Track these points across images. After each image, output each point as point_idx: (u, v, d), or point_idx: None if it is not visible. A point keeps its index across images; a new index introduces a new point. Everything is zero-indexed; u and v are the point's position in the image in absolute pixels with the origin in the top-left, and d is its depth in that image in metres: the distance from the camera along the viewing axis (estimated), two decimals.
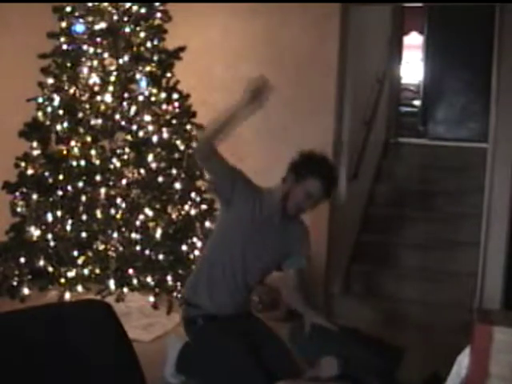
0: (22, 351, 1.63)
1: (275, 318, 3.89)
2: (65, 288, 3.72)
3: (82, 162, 3.74)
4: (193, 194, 3.98)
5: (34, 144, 3.77)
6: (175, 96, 3.97)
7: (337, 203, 4.58)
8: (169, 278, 3.81)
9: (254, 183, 2.66)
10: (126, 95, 3.81)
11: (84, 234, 3.74)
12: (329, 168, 2.59)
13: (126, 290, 3.77)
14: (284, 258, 2.67)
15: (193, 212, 3.98)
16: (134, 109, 3.82)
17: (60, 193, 3.73)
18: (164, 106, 3.91)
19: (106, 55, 3.82)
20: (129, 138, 3.81)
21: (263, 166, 4.63)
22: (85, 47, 3.81)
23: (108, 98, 3.78)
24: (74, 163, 3.74)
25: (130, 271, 3.76)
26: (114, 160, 3.78)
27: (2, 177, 3.76)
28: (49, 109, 3.79)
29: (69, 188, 3.74)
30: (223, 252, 2.59)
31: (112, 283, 3.72)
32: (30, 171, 3.77)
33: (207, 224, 4.03)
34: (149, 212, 3.78)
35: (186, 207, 3.96)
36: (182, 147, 3.96)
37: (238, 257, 2.55)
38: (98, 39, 3.80)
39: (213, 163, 2.56)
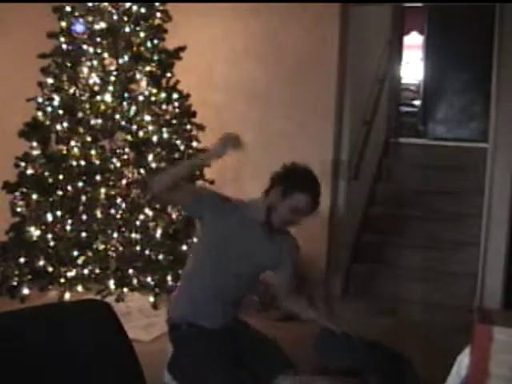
0: (22, 351, 1.63)
1: (275, 318, 3.89)
2: (65, 288, 3.72)
3: (82, 162, 3.74)
4: None
5: (34, 144, 3.77)
6: (175, 96, 3.97)
7: (336, 210, 4.58)
8: (169, 278, 3.81)
9: (229, 198, 2.61)
10: (126, 95, 3.81)
11: (84, 234, 3.74)
12: (314, 182, 2.55)
13: (126, 289, 3.77)
14: (274, 268, 2.64)
15: None
16: (133, 109, 3.82)
17: (60, 193, 3.74)
18: (164, 106, 3.92)
19: (106, 55, 3.82)
20: (129, 138, 3.81)
21: (263, 167, 4.62)
22: (85, 47, 3.81)
23: (108, 97, 3.78)
24: (74, 163, 3.75)
25: (130, 271, 3.76)
26: (114, 160, 3.78)
27: (2, 177, 3.76)
28: (49, 109, 3.79)
29: (69, 188, 3.74)
30: (206, 268, 2.55)
31: (112, 283, 3.72)
32: (29, 171, 3.78)
33: None
34: (149, 212, 3.78)
35: None
36: (181, 147, 3.96)
37: (223, 271, 2.52)
38: (98, 39, 3.80)
39: (171, 197, 2.55)
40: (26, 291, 3.72)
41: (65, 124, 3.77)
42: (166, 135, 3.88)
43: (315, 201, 2.49)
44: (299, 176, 2.52)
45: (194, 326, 2.48)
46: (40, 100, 3.81)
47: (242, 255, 2.49)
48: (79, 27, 3.81)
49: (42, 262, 3.74)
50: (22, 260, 3.73)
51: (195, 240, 2.65)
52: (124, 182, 3.83)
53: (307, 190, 2.47)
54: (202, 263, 2.54)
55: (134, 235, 3.79)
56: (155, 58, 3.89)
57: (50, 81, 3.81)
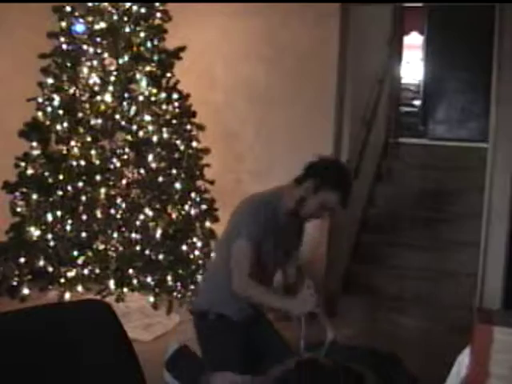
0: (22, 351, 1.63)
1: (275, 318, 3.88)
2: (65, 288, 3.72)
3: (82, 162, 3.74)
4: (193, 194, 3.98)
5: (34, 144, 3.77)
6: (175, 96, 3.96)
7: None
8: (169, 277, 3.81)
9: (260, 203, 2.55)
10: (126, 95, 3.81)
11: (84, 234, 3.74)
12: (349, 181, 2.54)
13: (125, 289, 3.76)
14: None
15: (193, 212, 3.98)
16: (133, 109, 3.82)
17: (60, 193, 3.73)
18: (164, 106, 3.91)
19: (106, 55, 3.82)
20: (129, 138, 3.81)
21: (263, 166, 4.63)
22: (85, 47, 3.81)
23: (108, 97, 3.78)
24: (74, 163, 3.74)
25: (130, 271, 3.76)
26: (114, 160, 3.78)
27: (2, 177, 3.76)
28: (49, 109, 3.79)
29: (69, 188, 3.73)
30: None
31: (112, 283, 3.72)
32: (30, 171, 3.77)
33: (207, 224, 4.04)
34: (149, 212, 3.78)
35: (186, 207, 3.96)
36: (182, 147, 3.96)
37: (258, 263, 2.52)
38: (98, 39, 3.80)
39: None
40: (26, 291, 3.72)
41: (65, 124, 3.77)
42: (166, 135, 3.88)
43: (345, 201, 2.48)
44: (335, 174, 2.50)
45: (221, 317, 2.49)
46: (40, 100, 3.81)
47: (276, 245, 2.50)
48: (79, 27, 3.81)
49: (42, 262, 3.73)
50: (22, 260, 3.73)
51: (225, 231, 2.62)
52: (124, 181, 3.82)
53: (340, 190, 2.45)
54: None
55: (133, 235, 3.78)
56: (155, 57, 3.89)
57: (50, 81, 3.81)
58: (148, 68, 3.86)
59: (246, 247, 2.40)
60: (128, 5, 3.84)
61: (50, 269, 3.73)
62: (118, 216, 3.78)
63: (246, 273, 2.38)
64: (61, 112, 3.77)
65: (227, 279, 2.47)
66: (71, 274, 3.73)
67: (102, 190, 3.75)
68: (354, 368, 2.18)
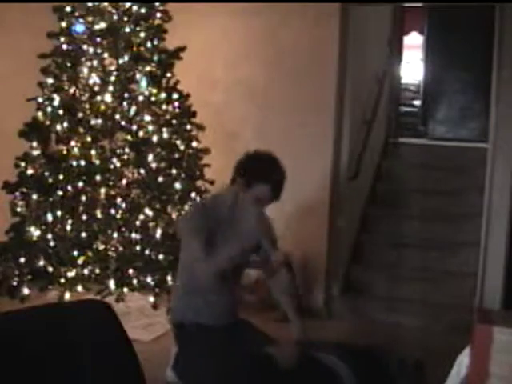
0: (22, 351, 1.63)
1: (274, 319, 3.89)
2: (65, 288, 3.72)
3: (82, 162, 3.74)
4: (193, 194, 3.98)
5: (34, 144, 3.77)
6: (175, 96, 3.97)
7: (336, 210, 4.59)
8: (169, 277, 3.81)
9: (201, 205, 2.64)
10: (126, 95, 3.81)
11: (84, 234, 3.74)
12: (279, 172, 2.56)
13: (126, 289, 3.77)
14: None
15: None
16: (133, 109, 3.82)
17: (60, 193, 3.74)
18: (164, 106, 3.91)
19: (106, 55, 3.82)
20: (129, 138, 3.81)
21: None
22: (85, 47, 3.81)
23: (108, 97, 3.78)
24: (74, 163, 3.74)
25: (130, 271, 3.76)
26: (114, 160, 3.78)
27: (2, 177, 3.76)
28: (49, 109, 3.79)
29: (69, 188, 3.74)
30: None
31: (112, 283, 3.72)
32: (30, 171, 3.78)
33: None
34: (149, 212, 3.78)
35: (186, 207, 3.96)
36: (182, 147, 3.96)
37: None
38: (98, 39, 3.80)
39: None
40: (26, 291, 3.72)
41: (65, 124, 3.77)
42: (165, 135, 3.88)
43: (278, 192, 2.49)
44: (265, 166, 2.53)
45: (198, 325, 2.49)
46: (40, 100, 3.81)
47: (234, 235, 2.51)
48: (79, 27, 3.81)
49: (42, 262, 3.74)
50: (22, 260, 3.73)
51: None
52: (124, 181, 3.82)
53: (271, 181, 2.46)
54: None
55: (134, 235, 3.79)
56: (155, 58, 3.89)
57: (50, 81, 3.81)
58: (148, 68, 3.86)
59: (194, 244, 2.42)
60: (128, 5, 3.84)
61: (50, 269, 3.73)
62: (118, 216, 3.79)
63: (202, 256, 2.38)
64: (61, 112, 3.78)
65: (193, 284, 2.49)
66: (71, 273, 3.73)
67: (102, 190, 3.76)
68: (323, 360, 2.19)
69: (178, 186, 3.88)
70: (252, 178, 2.49)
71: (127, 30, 3.84)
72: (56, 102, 3.79)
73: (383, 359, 2.34)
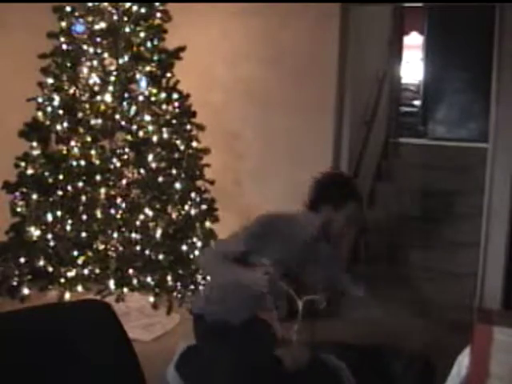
0: (22, 351, 1.63)
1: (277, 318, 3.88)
2: (65, 288, 3.72)
3: (82, 162, 3.74)
4: (193, 194, 3.98)
5: (34, 144, 3.77)
6: (175, 96, 3.96)
7: None
8: (169, 277, 3.81)
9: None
10: (126, 95, 3.81)
11: (84, 234, 3.74)
12: (357, 188, 2.59)
13: (126, 289, 3.77)
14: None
15: (193, 212, 3.98)
16: (133, 109, 3.82)
17: (60, 193, 3.74)
18: (164, 106, 3.91)
19: (106, 55, 3.82)
20: (129, 137, 3.81)
21: (263, 166, 4.64)
22: (85, 47, 3.81)
23: (108, 97, 3.78)
24: (74, 163, 3.74)
25: (130, 271, 3.76)
26: (114, 160, 3.78)
27: (2, 177, 3.76)
28: (49, 109, 3.79)
29: (69, 188, 3.74)
30: None
31: (112, 283, 3.72)
32: (30, 171, 3.77)
33: (207, 224, 4.04)
34: (149, 212, 3.78)
35: (186, 207, 3.96)
36: (182, 147, 3.96)
37: None
38: (98, 39, 3.80)
39: None
40: (26, 291, 3.72)
41: (65, 124, 3.77)
42: (165, 135, 3.88)
43: (362, 207, 2.56)
44: (346, 186, 2.54)
45: (218, 320, 2.49)
46: (40, 100, 3.81)
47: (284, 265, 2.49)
48: (79, 27, 3.81)
49: (42, 262, 3.73)
50: (22, 260, 3.73)
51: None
52: (124, 181, 3.82)
53: (357, 198, 2.51)
54: None
55: (134, 235, 3.78)
56: (155, 57, 3.89)
57: (50, 81, 3.81)
58: (148, 68, 3.86)
59: (238, 240, 2.44)
60: (128, 5, 3.84)
61: (50, 269, 3.73)
62: (118, 216, 3.78)
63: (223, 254, 2.40)
64: (61, 112, 3.77)
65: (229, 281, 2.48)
66: (71, 273, 3.73)
67: (102, 190, 3.76)
68: (329, 362, 2.20)
69: (178, 185, 3.88)
70: (339, 199, 2.48)
71: (127, 29, 3.83)
72: (56, 102, 3.78)
73: (385, 359, 2.34)
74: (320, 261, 2.59)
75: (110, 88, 3.78)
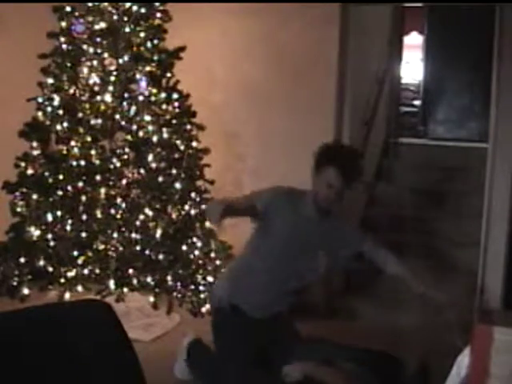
0: (22, 351, 1.63)
1: None
2: (65, 288, 3.72)
3: (82, 162, 3.74)
4: (193, 194, 3.98)
5: (34, 144, 3.77)
6: (175, 96, 3.96)
7: None
8: (169, 277, 3.81)
9: (286, 190, 2.62)
10: (126, 95, 3.81)
11: (84, 234, 3.74)
12: (346, 155, 2.53)
13: (126, 289, 3.77)
14: (342, 250, 2.69)
15: (193, 212, 3.98)
16: (133, 109, 3.82)
17: (60, 193, 3.74)
18: (164, 106, 3.91)
19: (106, 55, 3.82)
20: (129, 138, 3.81)
21: (263, 165, 4.63)
22: (85, 47, 3.81)
23: (108, 98, 3.78)
24: (74, 163, 3.75)
25: (130, 271, 3.76)
26: (114, 160, 3.78)
27: (2, 177, 3.76)
28: (49, 109, 3.79)
29: (69, 188, 3.74)
30: (265, 256, 2.55)
31: (112, 283, 3.72)
32: (30, 171, 3.77)
33: (207, 224, 4.03)
34: (149, 212, 3.78)
35: (186, 207, 3.96)
36: (182, 147, 3.96)
37: (280, 259, 2.52)
38: (98, 39, 3.80)
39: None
40: (26, 291, 3.72)
41: (65, 124, 3.77)
42: (165, 135, 3.88)
43: (348, 176, 2.46)
44: (331, 150, 2.51)
45: (235, 309, 2.48)
46: (40, 100, 3.81)
47: (303, 244, 2.49)
48: (79, 27, 3.81)
49: (42, 262, 3.73)
50: (22, 260, 3.73)
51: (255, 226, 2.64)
52: (124, 181, 3.82)
53: (337, 164, 2.45)
54: (269, 248, 2.53)
55: (134, 235, 3.79)
56: (155, 58, 3.89)
57: (50, 81, 3.81)
58: (148, 68, 3.86)
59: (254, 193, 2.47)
60: (128, 5, 3.84)
61: (50, 269, 3.73)
62: (118, 216, 3.79)
63: (225, 200, 2.39)
64: (61, 112, 3.78)
65: (250, 267, 2.47)
66: (71, 273, 3.73)
67: (102, 190, 3.76)
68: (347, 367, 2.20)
69: (178, 185, 3.88)
70: (320, 161, 2.49)
71: (127, 29, 3.83)
72: (56, 102, 3.79)
73: (397, 366, 2.35)
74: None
75: (110, 88, 3.78)
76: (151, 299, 3.82)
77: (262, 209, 2.48)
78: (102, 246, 3.79)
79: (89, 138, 3.76)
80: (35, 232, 3.73)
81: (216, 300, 2.65)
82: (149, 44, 3.89)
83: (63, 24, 3.82)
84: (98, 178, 3.73)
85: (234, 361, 2.36)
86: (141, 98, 3.83)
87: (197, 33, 4.59)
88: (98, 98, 3.79)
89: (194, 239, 3.98)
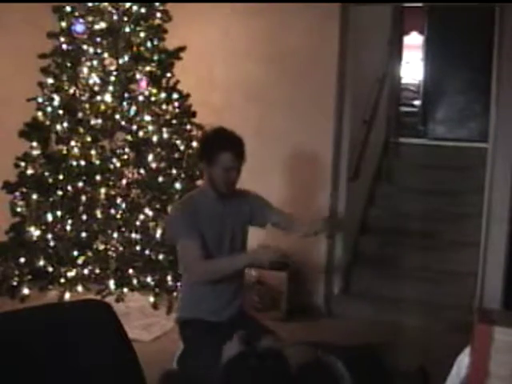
0: (22, 351, 1.63)
1: (275, 318, 3.89)
2: (65, 288, 3.72)
3: (82, 162, 3.74)
4: None
5: (34, 144, 3.78)
6: (175, 96, 3.97)
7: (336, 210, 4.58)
8: (169, 278, 3.81)
9: (185, 203, 2.70)
10: (126, 95, 3.81)
11: (84, 234, 3.74)
12: (234, 137, 2.67)
13: (126, 289, 3.77)
14: (252, 221, 2.75)
15: None
16: (134, 109, 3.82)
17: (60, 193, 3.74)
18: (164, 106, 3.91)
19: (106, 55, 3.82)
20: (129, 138, 3.81)
21: (263, 166, 4.63)
22: (85, 47, 3.81)
23: (108, 98, 3.78)
24: (74, 163, 3.75)
25: (130, 271, 3.77)
26: (114, 160, 3.78)
27: (2, 177, 3.76)
28: (49, 109, 3.80)
29: (69, 188, 3.74)
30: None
31: (112, 283, 3.72)
32: (30, 171, 3.78)
33: None
34: (149, 212, 3.78)
35: None
36: (182, 147, 3.96)
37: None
38: (98, 39, 3.80)
39: None
40: (26, 291, 3.72)
41: (65, 124, 3.78)
42: (166, 135, 3.88)
43: (239, 152, 2.61)
44: (218, 138, 2.67)
45: (202, 322, 2.52)
46: (40, 100, 3.81)
47: (222, 237, 2.60)
48: (79, 27, 3.81)
49: (42, 262, 3.74)
50: (22, 260, 3.73)
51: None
52: (124, 181, 3.83)
53: (229, 147, 2.60)
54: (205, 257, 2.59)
55: (134, 235, 3.79)
56: (155, 57, 3.89)
57: (50, 81, 3.81)
58: (148, 68, 3.86)
59: (186, 243, 2.53)
60: (128, 5, 3.84)
61: (50, 269, 3.74)
62: (118, 216, 3.79)
63: (196, 259, 2.49)
64: (61, 112, 3.78)
65: (189, 281, 2.58)
66: (71, 273, 3.73)
67: (102, 190, 3.76)
68: (323, 359, 2.19)
69: (178, 185, 3.88)
70: (211, 153, 2.61)
71: (127, 29, 3.84)
72: (56, 102, 3.79)
73: (382, 361, 2.34)
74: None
75: (110, 88, 3.78)
76: (151, 299, 3.82)
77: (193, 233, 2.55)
78: (102, 246, 3.79)
79: (89, 138, 3.76)
80: (35, 232, 3.73)
81: (176, 321, 2.72)
82: (149, 44, 3.89)
83: (63, 24, 3.83)
84: (98, 178, 3.73)
85: (207, 367, 2.37)
86: (141, 98, 3.83)
87: (197, 33, 4.58)
88: (98, 98, 3.79)
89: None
